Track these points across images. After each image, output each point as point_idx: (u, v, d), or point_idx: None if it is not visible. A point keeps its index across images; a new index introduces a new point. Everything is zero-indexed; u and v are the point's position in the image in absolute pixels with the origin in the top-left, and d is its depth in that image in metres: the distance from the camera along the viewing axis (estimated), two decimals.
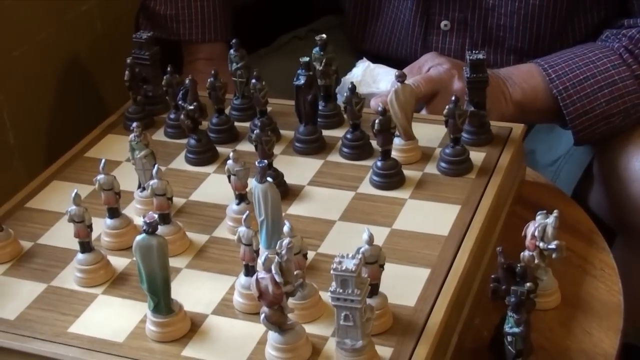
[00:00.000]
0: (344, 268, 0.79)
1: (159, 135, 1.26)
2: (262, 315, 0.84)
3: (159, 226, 0.89)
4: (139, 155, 1.06)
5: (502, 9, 1.42)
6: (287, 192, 1.09)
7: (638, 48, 1.31)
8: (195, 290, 0.96)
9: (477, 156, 1.13)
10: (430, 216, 1.04)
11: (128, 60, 1.27)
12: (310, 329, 0.88)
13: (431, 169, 1.13)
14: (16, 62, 1.34)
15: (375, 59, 1.41)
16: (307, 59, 1.17)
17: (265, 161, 0.98)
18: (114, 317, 0.93)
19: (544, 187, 1.25)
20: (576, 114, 1.31)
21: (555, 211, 0.95)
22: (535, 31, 1.43)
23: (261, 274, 0.83)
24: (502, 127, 1.19)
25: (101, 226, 1.04)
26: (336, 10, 1.67)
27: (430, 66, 1.32)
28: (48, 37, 1.40)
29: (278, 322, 0.84)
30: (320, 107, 1.22)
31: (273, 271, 0.82)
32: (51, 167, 1.21)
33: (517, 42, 1.45)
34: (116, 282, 0.98)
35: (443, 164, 1.12)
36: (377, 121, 1.08)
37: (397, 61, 1.44)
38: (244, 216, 0.91)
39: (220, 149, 1.20)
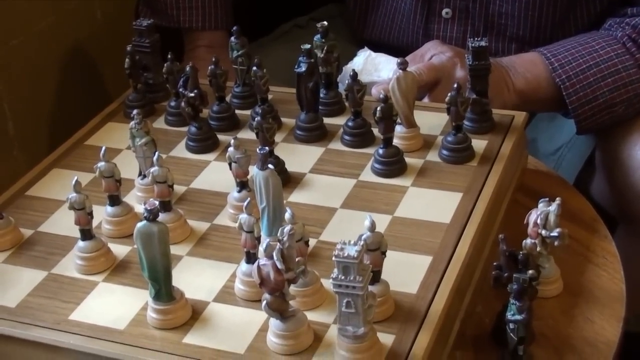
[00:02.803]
0: (346, 255, 0.79)
1: (160, 123, 1.25)
2: (264, 303, 0.83)
3: (159, 214, 0.89)
4: (139, 142, 1.06)
5: None
6: (289, 180, 1.09)
7: None
8: (196, 277, 0.96)
9: (479, 144, 1.13)
10: (432, 204, 1.04)
11: (128, 48, 1.26)
12: (312, 316, 0.88)
13: (433, 156, 1.13)
14: (16, 51, 1.33)
15: (376, 47, 1.41)
16: (308, 46, 1.16)
17: (267, 148, 0.98)
18: (115, 304, 0.93)
19: (546, 175, 1.24)
20: (579, 103, 1.31)
21: (557, 199, 0.95)
22: (536, 19, 1.42)
23: (262, 260, 0.82)
24: (504, 115, 1.19)
25: (102, 214, 1.03)
26: None
27: (432, 54, 1.31)
28: (48, 25, 1.39)
29: (279, 309, 0.84)
30: (321, 95, 1.21)
31: (274, 258, 0.81)
32: (51, 154, 1.20)
33: (519, 30, 1.44)
34: (117, 270, 0.98)
35: (445, 152, 1.11)
36: (378, 109, 1.08)
37: (398, 49, 1.44)
38: (245, 203, 0.91)
39: (221, 137, 1.19)
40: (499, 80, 1.29)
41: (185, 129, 1.20)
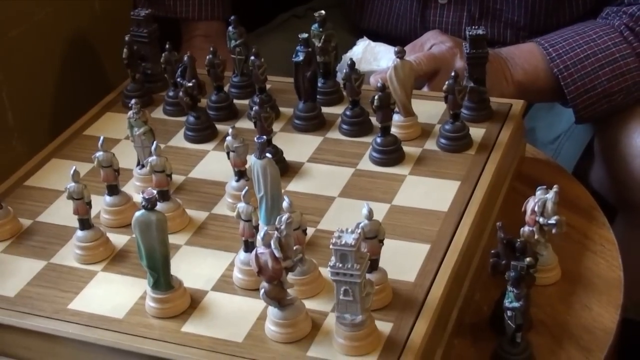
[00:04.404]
0: (343, 242, 0.79)
1: (158, 113, 1.26)
2: (262, 291, 0.84)
3: (158, 203, 0.89)
4: (137, 132, 1.06)
5: None
6: (287, 169, 1.09)
7: (639, 25, 1.31)
8: (194, 266, 0.96)
9: (476, 132, 1.13)
10: (430, 192, 1.04)
11: (126, 38, 1.26)
12: (310, 304, 0.88)
13: (431, 145, 1.13)
14: (14, 42, 1.33)
15: (374, 37, 1.41)
16: (305, 35, 1.16)
17: (265, 137, 0.98)
18: (114, 293, 0.93)
19: (544, 163, 1.24)
20: (577, 93, 1.31)
21: (555, 186, 0.95)
22: (530, 5, 1.43)
23: (260, 249, 0.83)
24: (501, 103, 1.19)
25: (100, 203, 1.04)
26: None
27: (432, 44, 1.31)
28: (46, 16, 1.39)
29: (278, 298, 0.84)
30: (319, 84, 1.21)
31: (272, 246, 0.82)
32: (50, 145, 1.21)
33: (514, 16, 1.44)
34: (116, 259, 0.98)
35: (443, 140, 1.11)
36: (376, 97, 1.07)
37: (396, 38, 1.44)
38: (243, 192, 0.91)
39: (219, 126, 1.19)
40: (498, 71, 1.29)
41: (183, 118, 1.20)
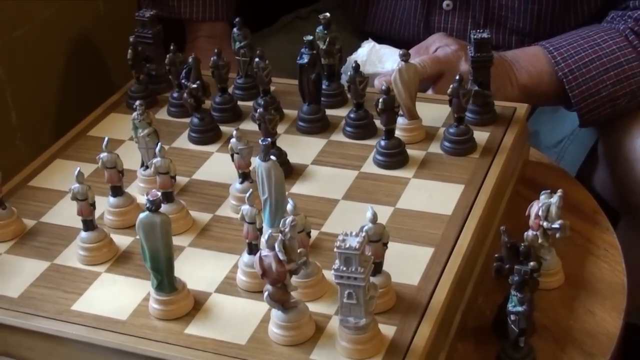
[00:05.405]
0: (347, 246, 0.79)
1: (162, 114, 1.26)
2: (266, 293, 0.84)
3: (162, 205, 0.89)
4: (142, 133, 1.06)
5: None
6: (291, 171, 1.09)
7: None
8: (198, 268, 0.96)
9: (481, 136, 1.13)
10: (433, 195, 1.04)
11: (131, 39, 1.26)
12: (313, 307, 0.88)
13: (435, 148, 1.13)
14: (18, 42, 1.33)
15: (378, 40, 1.40)
16: (310, 37, 1.16)
17: (269, 139, 0.98)
18: (117, 295, 0.93)
19: (548, 167, 1.24)
20: (581, 97, 1.31)
21: (559, 191, 0.95)
22: (536, 11, 1.42)
23: (264, 252, 0.83)
24: (506, 107, 1.19)
25: (104, 204, 1.03)
26: None
27: (437, 47, 1.31)
28: (50, 16, 1.39)
29: (281, 300, 0.84)
30: (323, 86, 1.21)
31: (276, 249, 0.82)
32: (54, 145, 1.21)
33: (519, 22, 1.44)
34: (119, 260, 0.98)
35: (447, 144, 1.11)
36: (380, 100, 1.07)
37: (399, 42, 1.43)
38: (248, 194, 0.91)
39: (224, 128, 1.19)
40: (503, 74, 1.29)
41: (187, 120, 1.20)
